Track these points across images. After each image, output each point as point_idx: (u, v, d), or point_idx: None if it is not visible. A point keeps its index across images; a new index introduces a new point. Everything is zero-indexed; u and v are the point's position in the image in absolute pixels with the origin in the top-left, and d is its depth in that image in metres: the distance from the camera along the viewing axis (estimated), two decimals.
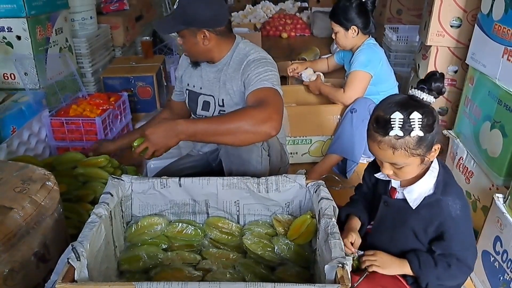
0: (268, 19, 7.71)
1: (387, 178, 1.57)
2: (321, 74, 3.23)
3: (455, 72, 2.81)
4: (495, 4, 2.16)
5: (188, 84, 2.25)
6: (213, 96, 2.14)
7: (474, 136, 2.28)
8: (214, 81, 2.12)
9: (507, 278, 1.75)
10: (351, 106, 2.72)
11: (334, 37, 2.90)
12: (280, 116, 1.77)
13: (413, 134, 1.33)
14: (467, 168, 2.32)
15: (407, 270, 1.50)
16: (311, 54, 4.68)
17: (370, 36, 2.88)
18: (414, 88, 1.38)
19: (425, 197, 1.47)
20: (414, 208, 1.48)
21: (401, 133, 1.33)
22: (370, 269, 1.50)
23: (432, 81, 1.37)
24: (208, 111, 2.18)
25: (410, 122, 1.32)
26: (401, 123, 1.32)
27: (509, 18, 2.04)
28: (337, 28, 2.82)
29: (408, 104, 1.35)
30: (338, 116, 2.86)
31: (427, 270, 1.46)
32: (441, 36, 2.75)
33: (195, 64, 2.17)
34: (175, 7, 1.97)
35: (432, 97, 1.36)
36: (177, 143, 1.75)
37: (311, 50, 4.79)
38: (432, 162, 1.48)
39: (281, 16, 7.67)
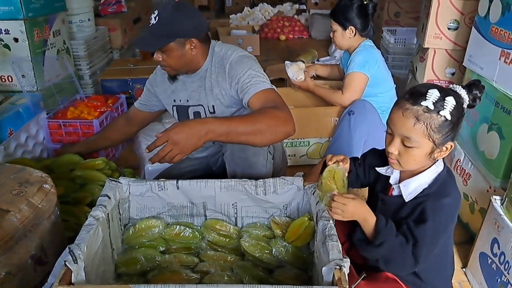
0: (267, 21, 7.73)
1: (387, 173, 1.57)
2: (313, 73, 3.24)
3: (453, 74, 2.81)
4: (492, 6, 2.17)
5: (174, 100, 2.19)
6: (202, 105, 2.11)
7: (471, 138, 2.28)
8: (200, 90, 2.09)
9: (505, 280, 1.75)
10: (349, 108, 2.72)
11: (332, 36, 2.90)
12: (291, 114, 1.82)
13: (442, 113, 1.33)
14: (465, 170, 2.32)
15: (368, 223, 1.44)
16: (309, 56, 4.69)
17: (368, 39, 2.88)
18: (460, 86, 1.40)
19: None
20: (406, 201, 1.46)
21: (432, 107, 1.33)
22: (333, 215, 1.47)
23: (473, 87, 1.39)
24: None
25: (445, 102, 1.33)
26: (436, 99, 1.33)
27: (506, 21, 2.05)
28: (336, 26, 2.82)
29: (447, 90, 1.38)
30: (336, 118, 2.86)
31: (388, 233, 1.41)
32: (438, 38, 2.75)
33: (173, 78, 2.12)
34: (152, 22, 1.90)
35: (468, 98, 1.39)
36: (204, 144, 1.67)
37: (309, 52, 4.80)
38: (437, 161, 1.46)
39: (279, 18, 7.69)
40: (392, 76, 2.96)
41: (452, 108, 1.34)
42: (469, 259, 2.07)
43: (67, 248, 1.31)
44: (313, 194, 1.70)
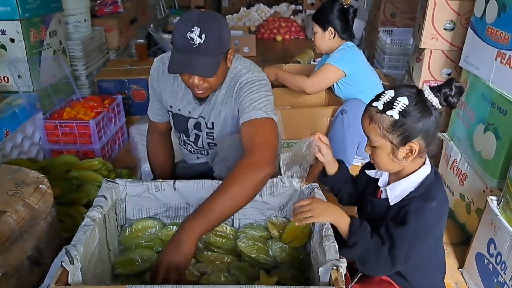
0: (263, 22, 7.74)
1: (376, 176, 1.57)
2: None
3: (449, 75, 2.82)
4: (488, 7, 2.17)
5: (171, 106, 2.05)
6: (203, 118, 2.00)
7: (468, 138, 2.29)
8: (204, 104, 1.97)
9: (501, 280, 1.76)
10: (342, 107, 2.74)
11: (313, 38, 2.93)
12: (274, 153, 1.70)
13: (389, 113, 1.34)
14: (461, 170, 2.33)
15: (342, 224, 1.44)
16: (306, 56, 4.69)
17: (348, 41, 2.89)
18: (428, 86, 1.38)
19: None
20: (391, 204, 1.46)
21: (381, 107, 1.36)
22: (303, 222, 1.48)
23: (444, 86, 1.36)
24: (201, 130, 2.05)
25: (395, 102, 1.34)
26: (388, 100, 1.36)
27: (502, 21, 2.06)
28: (316, 28, 2.85)
29: (408, 91, 1.37)
30: (331, 119, 2.87)
31: (361, 234, 1.41)
32: (434, 39, 2.76)
33: (204, 99, 1.93)
34: (199, 42, 1.65)
35: (437, 99, 1.35)
36: (195, 250, 1.55)
37: (305, 52, 4.81)
38: (424, 165, 1.45)
39: (276, 19, 7.70)
40: (390, 76, 2.97)
41: (402, 108, 1.33)
42: (465, 260, 2.08)
43: (63, 248, 1.31)
44: (310, 193, 1.70)
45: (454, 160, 2.41)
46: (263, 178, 1.63)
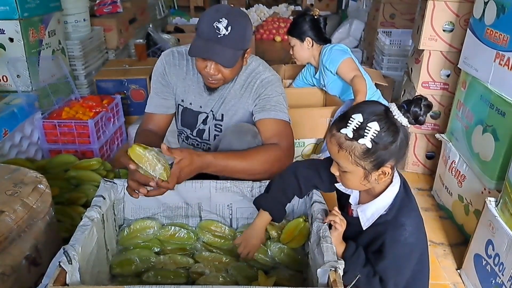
0: (262, 22, 7.75)
1: (346, 191, 1.54)
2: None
3: (448, 76, 2.82)
4: (487, 9, 2.18)
5: (182, 100, 2.07)
6: (212, 111, 2.04)
7: (466, 139, 2.29)
8: (216, 97, 2.01)
9: (499, 282, 1.76)
10: (342, 108, 2.74)
11: (292, 52, 3.01)
12: (291, 158, 1.84)
13: (361, 141, 1.29)
14: (460, 171, 2.33)
15: (338, 251, 1.45)
16: None
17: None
18: (394, 104, 1.33)
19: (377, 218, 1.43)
20: (364, 228, 1.45)
21: (351, 135, 1.29)
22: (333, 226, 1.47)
23: (413, 103, 1.31)
24: (206, 124, 2.08)
25: (365, 129, 1.28)
26: (357, 126, 1.29)
27: (501, 23, 2.06)
28: (294, 41, 2.95)
29: (377, 114, 1.31)
30: (331, 119, 2.87)
31: (354, 263, 1.41)
32: (433, 40, 2.76)
33: (214, 89, 1.96)
34: (224, 33, 1.70)
35: (406, 119, 1.31)
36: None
37: None
38: (392, 182, 1.42)
39: (275, 19, 7.71)
40: (388, 77, 2.97)
41: (375, 135, 1.28)
42: (463, 261, 2.08)
43: (61, 248, 1.31)
44: (308, 195, 1.70)
45: (453, 161, 2.41)
46: (277, 168, 1.75)
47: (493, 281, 1.80)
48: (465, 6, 2.62)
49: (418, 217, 1.44)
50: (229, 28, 1.70)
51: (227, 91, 1.98)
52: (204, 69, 1.81)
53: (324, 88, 3.05)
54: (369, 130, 1.28)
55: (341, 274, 1.27)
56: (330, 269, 1.27)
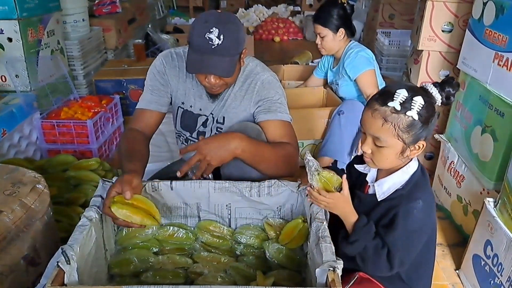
0: (261, 22, 7.75)
1: (364, 171, 1.58)
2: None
3: (447, 76, 2.82)
4: (486, 9, 2.18)
5: (183, 103, 2.05)
6: (212, 114, 2.03)
7: (465, 140, 2.29)
8: (216, 101, 2.00)
9: (498, 282, 1.76)
10: (339, 108, 2.74)
11: (319, 42, 2.92)
12: (298, 154, 1.89)
13: (409, 113, 1.33)
14: (458, 172, 2.33)
15: (349, 219, 1.47)
16: (304, 58, 4.70)
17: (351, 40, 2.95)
18: (431, 84, 1.41)
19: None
20: (379, 200, 1.48)
21: (398, 108, 1.34)
22: (321, 207, 1.51)
23: (446, 84, 1.40)
24: (206, 127, 2.07)
25: (412, 102, 1.33)
26: (403, 99, 1.34)
27: (500, 24, 2.06)
28: (325, 31, 2.84)
29: (416, 89, 1.39)
30: (329, 119, 2.87)
31: (364, 233, 1.43)
32: (432, 40, 2.76)
33: (217, 95, 1.96)
34: (217, 42, 1.67)
35: (440, 96, 1.40)
36: (231, 159, 1.69)
37: (303, 54, 4.81)
38: (411, 160, 1.47)
39: (274, 20, 7.71)
40: (387, 78, 2.98)
41: (420, 108, 1.34)
42: (462, 261, 2.08)
43: (60, 248, 1.31)
44: (306, 195, 1.70)
45: (452, 162, 2.41)
46: (288, 172, 1.83)
47: (492, 282, 1.80)
48: (464, 6, 2.63)
49: (432, 199, 1.49)
50: (222, 37, 1.68)
51: (227, 94, 1.97)
52: (204, 81, 1.81)
53: (334, 85, 3.02)
54: (415, 103, 1.33)
55: (340, 274, 1.27)
56: (329, 269, 1.27)
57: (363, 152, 1.46)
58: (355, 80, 2.78)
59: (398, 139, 1.37)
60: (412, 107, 1.33)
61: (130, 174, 1.60)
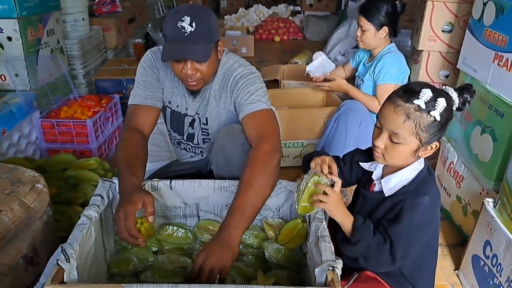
0: (261, 22, 7.73)
1: (370, 169, 1.58)
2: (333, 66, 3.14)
3: (446, 77, 2.82)
4: (486, 9, 2.18)
5: (170, 102, 2.03)
6: (198, 114, 2.01)
7: (465, 140, 2.29)
8: (199, 100, 1.98)
9: (497, 282, 1.76)
10: (339, 108, 2.73)
11: (359, 34, 2.80)
12: (280, 140, 1.79)
13: (432, 113, 1.35)
14: (458, 172, 2.33)
15: (346, 223, 1.47)
16: (304, 57, 4.70)
17: (391, 42, 2.83)
18: (451, 88, 1.43)
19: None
20: (386, 195, 1.48)
21: (423, 106, 1.35)
22: (318, 206, 1.49)
23: (465, 91, 1.43)
24: (194, 127, 2.06)
25: (436, 103, 1.35)
26: (428, 99, 1.35)
27: (500, 24, 2.06)
28: (368, 26, 2.73)
29: (440, 91, 1.40)
30: (326, 119, 2.87)
31: (364, 231, 1.44)
32: (432, 41, 2.76)
33: (198, 92, 1.94)
34: (190, 30, 1.68)
35: (457, 101, 1.42)
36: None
37: (303, 53, 4.81)
38: (419, 159, 1.48)
39: (274, 19, 7.70)
40: None
41: (443, 110, 1.36)
42: (461, 261, 2.08)
43: (59, 247, 1.31)
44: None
45: (451, 162, 2.41)
46: (277, 164, 1.68)
47: (491, 282, 1.80)
48: (464, 6, 2.63)
49: (438, 197, 1.49)
50: (194, 24, 1.68)
51: (208, 92, 1.95)
52: (181, 72, 1.78)
53: (359, 80, 2.94)
54: (439, 104, 1.35)
55: (339, 273, 1.28)
56: (328, 269, 1.27)
57: (374, 146, 1.46)
58: (375, 84, 2.75)
59: (416, 137, 1.38)
60: (436, 107, 1.35)
61: (144, 193, 1.58)
